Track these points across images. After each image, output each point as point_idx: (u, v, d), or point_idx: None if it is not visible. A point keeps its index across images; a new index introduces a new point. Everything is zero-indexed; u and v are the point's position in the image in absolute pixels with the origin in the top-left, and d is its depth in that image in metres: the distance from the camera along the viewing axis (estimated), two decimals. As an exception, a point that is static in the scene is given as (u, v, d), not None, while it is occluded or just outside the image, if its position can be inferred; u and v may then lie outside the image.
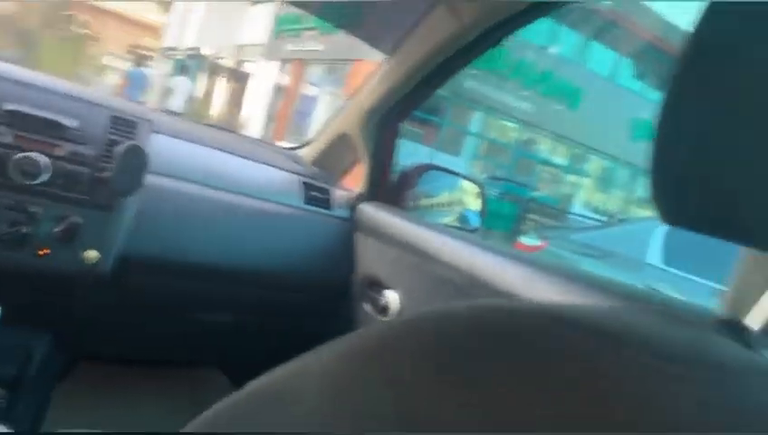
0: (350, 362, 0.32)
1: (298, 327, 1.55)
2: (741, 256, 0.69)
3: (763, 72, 0.31)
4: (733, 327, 0.33)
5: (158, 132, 1.31)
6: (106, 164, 1.15)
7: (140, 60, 12.61)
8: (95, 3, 26.04)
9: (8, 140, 1.08)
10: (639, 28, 14.32)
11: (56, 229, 1.10)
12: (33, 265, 1.09)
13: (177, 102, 11.68)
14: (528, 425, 0.24)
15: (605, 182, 17.17)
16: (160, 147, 1.28)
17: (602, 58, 14.98)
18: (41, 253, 1.09)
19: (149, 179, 1.14)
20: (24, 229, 1.07)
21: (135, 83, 11.49)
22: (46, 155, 1.10)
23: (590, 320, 0.28)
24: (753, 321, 0.35)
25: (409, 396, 0.27)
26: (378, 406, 0.28)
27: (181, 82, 12.50)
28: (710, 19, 0.33)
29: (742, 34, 0.32)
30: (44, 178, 1.09)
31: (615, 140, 14.92)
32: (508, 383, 0.26)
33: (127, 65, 12.57)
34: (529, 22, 1.20)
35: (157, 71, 13.23)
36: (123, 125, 1.22)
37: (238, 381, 1.74)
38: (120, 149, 1.10)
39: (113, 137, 1.19)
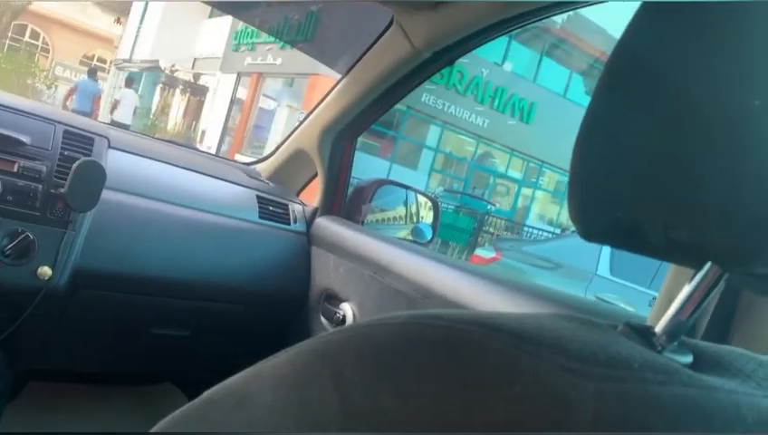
0: (300, 363, 0.34)
1: (254, 341, 1.56)
2: (670, 267, 0.74)
3: (678, 90, 0.33)
4: (639, 330, 0.36)
5: (114, 148, 1.31)
6: (60, 180, 1.15)
7: (91, 71, 12.64)
8: (47, 12, 25.39)
9: None
10: (589, 46, 14.73)
11: (8, 245, 1.09)
12: None
13: (123, 113, 11.70)
14: (452, 422, 0.27)
15: (559, 195, 17.52)
16: (117, 162, 1.28)
17: (555, 74, 15.35)
18: None
19: (105, 195, 1.15)
20: None
21: (83, 94, 11.49)
22: None
23: (511, 325, 0.31)
24: (660, 325, 0.37)
25: (352, 391, 0.30)
26: (324, 401, 0.30)
27: (128, 94, 12.46)
28: (630, 37, 0.35)
29: (660, 51, 0.34)
30: None
31: (568, 154, 15.23)
32: (435, 384, 0.28)
33: (81, 77, 12.35)
34: (481, 44, 1.25)
35: (107, 82, 13.03)
36: (79, 141, 1.22)
37: (194, 396, 1.73)
38: (76, 164, 1.10)
39: (68, 153, 1.19)
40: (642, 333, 0.35)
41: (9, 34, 22.99)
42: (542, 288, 1.02)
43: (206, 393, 0.38)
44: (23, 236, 1.10)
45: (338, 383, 0.31)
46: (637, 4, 0.36)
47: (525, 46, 14.63)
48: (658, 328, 0.36)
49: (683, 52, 0.33)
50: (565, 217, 17.21)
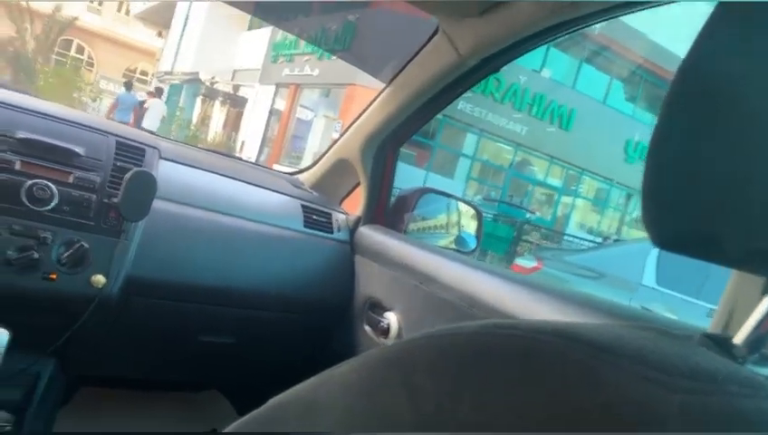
0: (369, 372, 0.34)
1: (299, 349, 1.57)
2: (731, 277, 0.72)
3: (753, 101, 0.33)
4: (718, 341, 0.35)
5: (164, 158, 1.34)
6: (113, 190, 1.18)
7: (127, 84, 13.41)
8: (92, 27, 26.21)
9: (19, 167, 1.11)
10: (630, 52, 14.50)
11: (65, 254, 1.12)
12: (42, 289, 1.12)
13: (150, 122, 12.26)
14: (534, 433, 0.27)
15: (599, 203, 17.24)
16: (167, 172, 1.31)
17: (594, 81, 15.14)
18: (49, 277, 1.12)
19: (156, 204, 1.17)
20: (34, 254, 1.10)
21: (123, 106, 12.31)
22: (55, 182, 1.13)
23: (589, 335, 0.30)
24: (740, 337, 0.37)
25: (425, 401, 0.29)
26: (395, 408, 0.30)
27: (155, 104, 13.17)
28: (702, 47, 0.35)
29: (732, 62, 0.33)
30: (54, 204, 1.12)
31: (608, 161, 15.02)
32: (516, 395, 0.28)
33: (123, 89, 13.00)
34: (526, 51, 1.24)
35: (147, 95, 13.64)
36: (130, 151, 1.25)
37: (239, 403, 1.76)
38: (128, 175, 1.13)
39: (120, 163, 1.22)
40: (722, 344, 0.34)
41: (56, 50, 23.79)
42: (589, 297, 1.01)
43: (274, 400, 0.39)
44: (78, 245, 1.13)
45: (410, 392, 0.30)
46: (698, 11, 0.36)
47: (564, 53, 14.48)
48: (737, 339, 0.35)
49: (758, 60, 0.32)
50: (606, 226, 16.94)
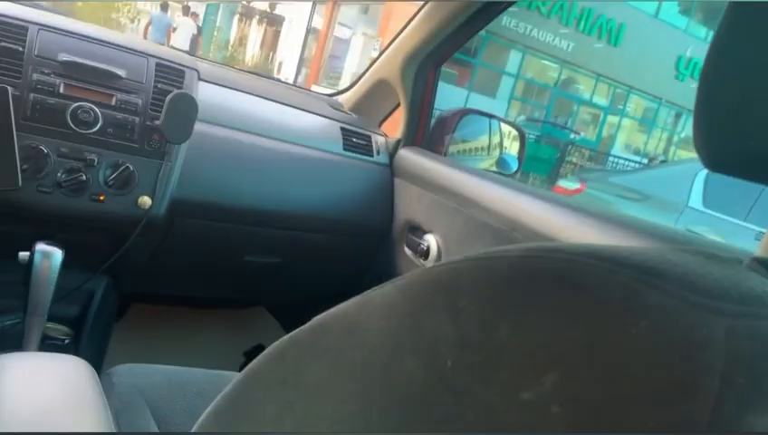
0: (412, 293, 0.34)
1: (340, 269, 1.60)
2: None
3: None
4: (766, 265, 0.34)
5: (203, 80, 1.33)
6: (155, 112, 1.19)
7: (163, 5, 13.22)
8: (127, -53, 25.78)
9: (62, 90, 1.13)
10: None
11: (111, 176, 1.15)
12: (92, 210, 1.15)
13: (180, 41, 12.22)
14: (573, 358, 0.26)
15: (647, 123, 16.69)
16: (207, 95, 1.31)
17: (646, -8, 14.35)
18: (98, 199, 1.15)
19: (197, 127, 1.18)
20: (82, 176, 1.13)
21: (158, 27, 12.34)
22: (98, 104, 1.15)
23: (634, 258, 0.30)
24: None
25: (468, 322, 0.30)
26: (439, 329, 0.30)
27: (184, 22, 13.01)
28: None
29: None
30: (98, 126, 1.14)
31: (658, 78, 14.41)
32: (555, 319, 0.28)
33: (158, 9, 12.94)
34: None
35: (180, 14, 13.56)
36: (170, 73, 1.25)
37: (284, 319, 1.82)
38: (169, 97, 1.13)
39: (161, 85, 1.22)
40: None
41: (93, -30, 23.59)
42: (634, 219, 0.99)
43: (316, 319, 0.39)
44: (123, 167, 1.16)
45: (454, 314, 0.31)
46: None
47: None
48: None
49: None
50: (653, 147, 16.46)
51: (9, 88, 1.05)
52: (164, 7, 13.30)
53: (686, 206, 4.60)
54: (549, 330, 0.28)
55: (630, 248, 0.32)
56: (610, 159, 13.31)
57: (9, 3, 1.23)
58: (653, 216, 4.41)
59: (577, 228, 1.00)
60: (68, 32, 1.19)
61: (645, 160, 13.34)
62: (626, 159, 12.64)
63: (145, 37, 11.89)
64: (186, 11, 14.10)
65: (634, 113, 16.65)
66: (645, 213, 4.53)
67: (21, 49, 1.12)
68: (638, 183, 5.16)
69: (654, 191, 4.88)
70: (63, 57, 1.14)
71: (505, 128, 1.75)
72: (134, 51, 1.24)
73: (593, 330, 0.27)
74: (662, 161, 12.47)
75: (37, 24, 1.16)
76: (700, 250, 0.33)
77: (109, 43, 1.23)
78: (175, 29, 12.87)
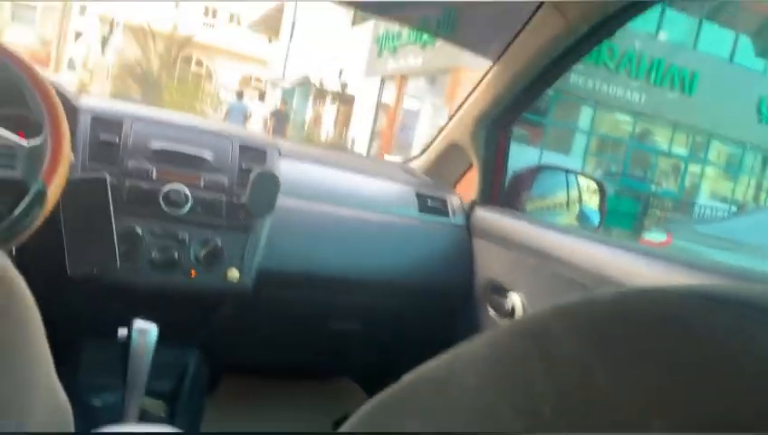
0: (502, 346, 0.34)
1: (424, 333, 1.59)
2: None
3: None
4: None
5: (284, 157, 1.40)
6: (241, 190, 1.25)
7: (238, 94, 16.04)
8: (208, 42, 27.83)
9: (155, 175, 1.21)
10: (757, 2, 13.26)
11: (201, 253, 1.21)
12: (184, 286, 1.21)
13: (234, 120, 13.98)
14: (679, 409, 0.25)
15: (732, 169, 15.97)
16: (287, 170, 1.37)
17: (718, 39, 14.00)
18: (189, 275, 1.21)
19: (279, 200, 1.23)
20: (175, 254, 1.19)
21: (235, 113, 14.56)
22: (188, 186, 1.22)
23: (740, 296, 0.28)
24: None
25: (564, 370, 0.29)
26: (533, 379, 0.30)
27: (236, 106, 15.24)
28: None
29: None
30: (188, 206, 1.21)
31: (740, 123, 13.85)
32: (657, 363, 0.26)
33: (235, 98, 14.83)
34: (640, 12, 1.18)
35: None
36: (253, 153, 1.32)
37: (370, 389, 1.81)
38: (253, 174, 1.19)
39: (245, 164, 1.29)
40: None
41: (178, 65, 25.51)
42: (731, 266, 0.94)
43: (404, 379, 0.39)
44: (212, 243, 1.22)
45: (548, 363, 0.30)
46: None
47: (681, 12, 13.49)
48: None
49: None
50: (741, 194, 15.66)
51: (107, 176, 1.14)
52: (239, 96, 15.70)
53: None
54: (650, 374, 0.26)
55: (736, 286, 0.30)
56: (697, 208, 12.73)
57: (107, 99, 1.35)
58: (751, 264, 4.15)
59: (669, 279, 0.95)
60: (158, 121, 1.29)
61: (734, 208, 12.68)
62: (713, 208, 12.06)
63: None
64: (239, 96, 16.16)
65: (717, 160, 15.99)
66: (740, 262, 4.28)
67: (117, 140, 1.21)
68: (729, 231, 4.90)
69: (748, 239, 4.61)
70: (155, 145, 1.23)
71: (583, 181, 1.72)
72: (219, 134, 1.33)
73: (699, 372, 0.25)
74: (754, 208, 11.82)
75: (131, 116, 1.26)
76: None
77: (195, 129, 1.32)
78: (251, 114, 14.87)
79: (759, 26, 14.13)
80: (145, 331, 1.12)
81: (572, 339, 0.30)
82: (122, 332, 1.14)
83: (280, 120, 15.93)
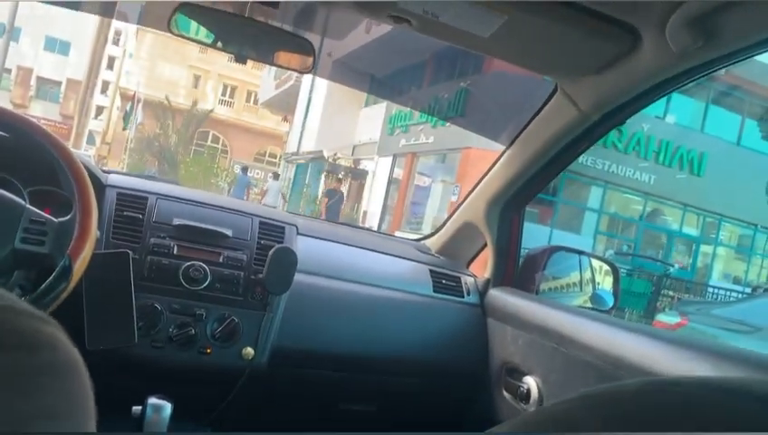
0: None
1: (438, 416, 1.56)
2: None
3: None
4: None
5: (301, 234, 1.42)
6: (259, 266, 1.27)
7: (243, 169, 18.16)
8: (225, 118, 28.68)
9: (176, 251, 1.23)
10: (762, 88, 13.57)
11: (218, 329, 1.22)
12: (200, 362, 1.21)
13: (271, 199, 15.24)
14: None
15: (744, 250, 15.87)
16: (304, 247, 1.39)
17: (725, 122, 14.25)
18: (205, 352, 1.21)
19: (296, 277, 1.25)
20: (192, 331, 1.20)
21: (239, 186, 16.44)
22: (207, 262, 1.24)
23: (757, 389, 0.29)
24: None
25: None
26: None
27: (274, 185, 16.75)
28: None
29: None
30: (207, 282, 1.23)
31: (750, 204, 13.89)
32: None
33: (255, 172, 15.77)
34: (650, 102, 1.22)
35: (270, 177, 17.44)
36: (272, 230, 1.35)
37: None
38: (272, 251, 1.21)
39: (264, 241, 1.31)
40: None
41: (195, 141, 26.21)
42: (747, 351, 0.93)
43: None
44: (229, 320, 1.22)
45: None
46: None
47: (688, 96, 13.80)
48: None
49: None
50: (754, 275, 15.50)
51: (130, 252, 1.16)
52: (245, 170, 17.84)
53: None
54: None
55: (753, 379, 0.31)
56: (710, 289, 12.59)
57: (130, 177, 1.39)
58: (765, 349, 4.07)
59: (686, 364, 0.95)
60: (181, 198, 1.33)
61: (748, 290, 12.52)
62: (727, 289, 11.92)
63: (228, 194, 13.43)
64: (276, 176, 17.83)
65: (729, 241, 15.93)
66: (757, 345, 4.20)
67: (141, 217, 1.25)
68: (744, 314, 4.84)
69: (763, 322, 4.54)
70: (177, 221, 1.26)
71: (596, 263, 1.73)
72: (239, 211, 1.36)
73: None
74: (767, 289, 11.67)
75: (155, 193, 1.30)
76: None
77: (217, 206, 1.36)
78: (266, 190, 15.94)
79: (764, 110, 14.41)
80: (159, 408, 1.12)
81: (598, 431, 0.30)
82: (136, 409, 1.13)
83: (336, 200, 14.92)
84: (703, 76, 1.12)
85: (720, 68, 1.08)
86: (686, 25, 0.94)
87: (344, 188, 15.79)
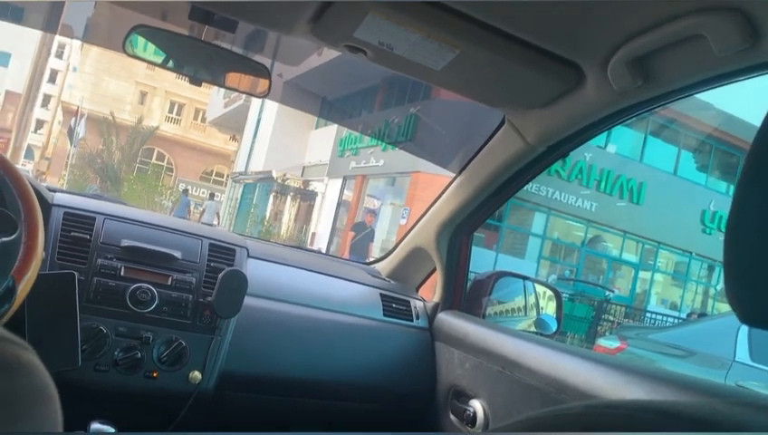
0: None
1: None
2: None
3: None
4: None
5: (252, 257, 1.42)
6: (208, 289, 1.26)
7: (186, 191, 19.41)
8: (171, 135, 28.14)
9: (123, 273, 1.21)
10: (697, 122, 14.25)
11: (165, 353, 1.20)
12: (146, 387, 1.19)
13: (206, 218, 16.21)
14: None
15: (680, 277, 16.49)
16: (255, 270, 1.39)
17: (662, 153, 14.87)
18: (152, 375, 1.19)
19: (246, 300, 1.24)
20: (138, 354, 1.18)
21: (181, 206, 17.32)
22: (155, 284, 1.22)
23: (688, 412, 0.32)
24: None
25: None
26: None
27: (210, 204, 17.84)
28: None
29: None
30: (154, 305, 1.21)
31: (685, 233, 14.48)
32: None
33: (201, 191, 15.93)
34: (594, 136, 1.28)
35: (225, 194, 17.38)
36: (222, 252, 1.34)
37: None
38: (222, 274, 1.21)
39: (213, 264, 1.30)
40: None
41: (139, 158, 25.61)
42: (681, 376, 0.98)
43: None
44: (176, 343, 1.21)
45: None
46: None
47: (627, 128, 14.36)
48: None
49: None
50: (689, 300, 16.10)
51: (76, 273, 1.14)
52: (185, 192, 19.14)
53: (733, 360, 4.42)
54: None
55: (684, 403, 0.34)
56: (648, 315, 13.00)
57: (77, 196, 1.36)
58: (700, 372, 4.23)
59: (625, 388, 0.99)
60: (130, 219, 1.31)
61: (683, 315, 13.00)
62: (664, 315, 12.33)
63: (170, 214, 13.36)
64: (212, 196, 19.16)
65: (666, 268, 16.52)
66: (691, 370, 4.36)
67: (88, 237, 1.22)
68: (679, 339, 5.02)
69: (698, 346, 4.73)
70: (125, 243, 1.24)
71: (540, 288, 1.79)
72: (189, 233, 1.35)
73: None
74: (701, 315, 12.13)
75: (103, 214, 1.28)
76: (750, 402, 0.35)
77: (166, 227, 1.34)
78: (198, 205, 17.18)
79: (699, 143, 15.12)
80: (102, 433, 1.09)
81: None
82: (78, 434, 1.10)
83: (364, 236, 11.35)
84: (642, 113, 1.18)
85: (658, 106, 1.15)
86: (626, 65, 0.99)
87: (374, 223, 12.25)
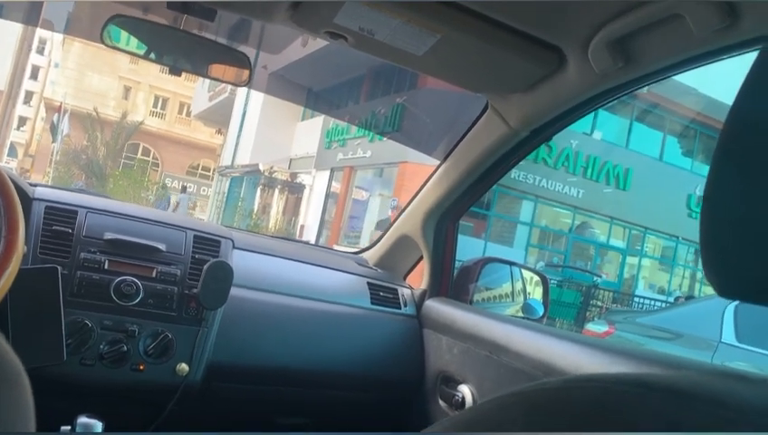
0: (461, 433, 0.36)
1: (376, 426, 1.57)
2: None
3: None
4: None
5: (237, 248, 1.41)
6: (193, 281, 1.25)
7: (163, 186, 20.98)
8: (156, 130, 27.92)
9: (107, 266, 1.20)
10: (681, 107, 14.33)
11: (151, 346, 1.19)
12: (132, 380, 1.18)
13: (181, 211, 17.00)
14: None
15: (667, 261, 16.65)
16: (241, 261, 1.38)
17: (648, 139, 14.95)
18: (138, 368, 1.18)
19: (232, 292, 1.23)
20: (123, 347, 1.17)
21: (162, 201, 18.81)
22: (140, 277, 1.22)
23: (665, 382, 0.32)
24: None
25: None
26: None
27: (183, 197, 19.26)
28: (747, 94, 0.36)
29: None
30: (139, 298, 1.20)
31: (672, 217, 14.60)
32: None
33: (189, 186, 16.21)
34: (577, 119, 1.28)
35: (212, 188, 17.98)
36: (207, 244, 1.33)
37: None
38: (207, 266, 1.20)
39: (198, 255, 1.30)
40: None
41: (124, 154, 25.40)
42: (668, 356, 0.99)
43: None
44: (162, 335, 1.20)
45: None
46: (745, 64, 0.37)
47: (613, 114, 14.42)
48: None
49: None
50: (676, 284, 16.26)
51: (58, 267, 1.13)
52: (184, 189, 20.29)
53: (719, 342, 4.48)
54: None
55: (662, 374, 0.34)
56: (636, 299, 13.12)
57: (58, 190, 1.35)
58: (687, 354, 4.28)
59: (611, 368, 1.00)
60: (112, 212, 1.30)
61: (671, 299, 13.13)
62: (651, 299, 12.45)
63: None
64: (184, 189, 20.46)
65: (653, 253, 16.67)
66: (678, 352, 4.41)
67: (70, 231, 1.21)
68: (667, 322, 5.08)
69: (685, 329, 4.78)
70: (108, 236, 1.23)
71: (527, 274, 1.79)
72: (173, 225, 1.34)
73: None
74: (688, 298, 12.26)
75: (85, 207, 1.27)
76: (729, 373, 0.35)
77: (149, 220, 1.33)
78: (178, 203, 17.91)
79: (683, 128, 15.22)
80: (89, 427, 1.08)
81: (522, 425, 0.33)
82: (65, 429, 1.09)
83: None
84: (624, 95, 1.19)
85: (639, 87, 1.15)
86: (606, 47, 1.00)
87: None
